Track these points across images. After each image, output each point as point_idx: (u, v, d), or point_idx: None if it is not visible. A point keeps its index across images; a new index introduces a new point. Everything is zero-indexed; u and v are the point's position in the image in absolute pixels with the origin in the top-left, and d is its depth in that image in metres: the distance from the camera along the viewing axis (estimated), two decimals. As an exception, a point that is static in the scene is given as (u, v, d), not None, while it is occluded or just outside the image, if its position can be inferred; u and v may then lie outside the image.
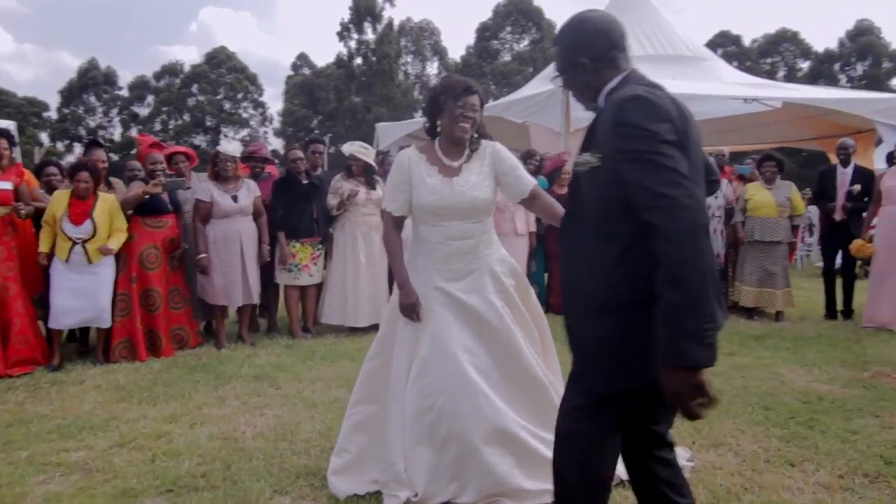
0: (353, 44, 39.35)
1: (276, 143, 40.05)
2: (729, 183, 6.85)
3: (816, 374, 4.45)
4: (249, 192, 5.34)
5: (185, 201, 5.40)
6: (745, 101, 10.60)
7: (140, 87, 43.04)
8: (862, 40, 43.65)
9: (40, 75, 63.21)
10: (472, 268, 2.61)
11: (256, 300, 5.45)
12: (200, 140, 40.76)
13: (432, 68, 47.86)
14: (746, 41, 44.45)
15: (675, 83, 9.06)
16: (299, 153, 5.68)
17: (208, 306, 5.49)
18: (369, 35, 39.17)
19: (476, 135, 2.64)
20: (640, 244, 1.57)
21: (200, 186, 5.29)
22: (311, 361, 4.85)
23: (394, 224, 2.68)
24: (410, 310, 2.53)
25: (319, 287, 5.94)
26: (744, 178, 6.88)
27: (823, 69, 42.27)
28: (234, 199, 5.22)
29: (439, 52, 47.56)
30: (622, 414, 1.77)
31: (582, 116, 7.15)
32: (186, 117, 41.96)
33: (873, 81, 37.16)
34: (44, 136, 40.55)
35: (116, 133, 42.30)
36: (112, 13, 65.41)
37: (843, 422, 3.46)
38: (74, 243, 4.68)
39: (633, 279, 1.62)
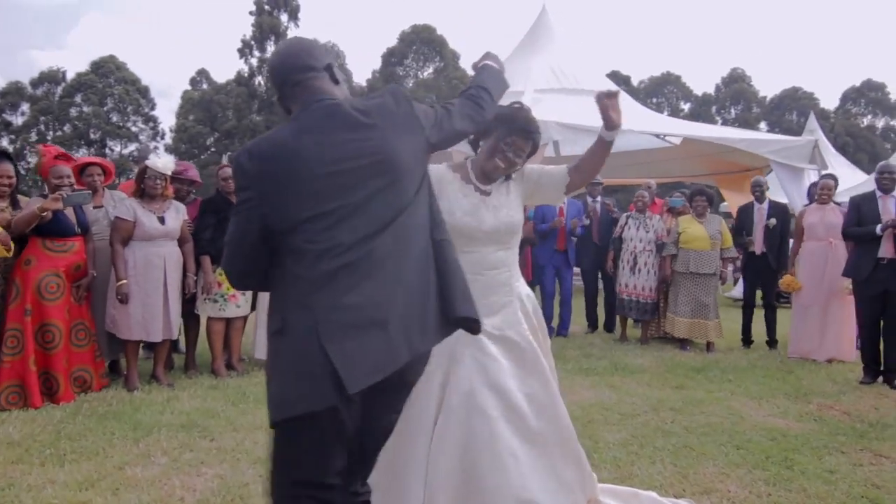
0: (254, 61, 38.14)
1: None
2: (660, 217, 6.97)
3: (767, 408, 4.48)
4: (178, 215, 4.77)
5: (95, 221, 4.73)
6: (658, 137, 11.14)
7: (14, 94, 39.34)
8: (735, 87, 47.91)
9: None
10: (507, 301, 2.36)
11: (176, 335, 4.83)
12: (83, 153, 37.74)
13: (336, 90, 47.37)
14: (634, 82, 47.35)
15: (592, 116, 9.32)
16: (230, 171, 5.14)
17: (115, 342, 4.80)
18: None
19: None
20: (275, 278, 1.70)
21: (122, 204, 4.64)
22: (245, 405, 4.31)
23: None
24: None
25: (246, 319, 5.39)
26: (674, 211, 7.03)
27: (702, 111, 45.85)
28: (161, 220, 4.62)
29: (344, 75, 47.12)
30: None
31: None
32: (67, 128, 38.77)
33: (744, 124, 40.70)
34: None
35: (-16, 142, 38.38)
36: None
37: (816, 460, 3.43)
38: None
39: (275, 309, 1.69)
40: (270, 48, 37.96)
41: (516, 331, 2.34)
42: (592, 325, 7.70)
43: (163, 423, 3.91)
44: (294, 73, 1.75)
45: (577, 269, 8.21)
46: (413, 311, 1.63)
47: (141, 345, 4.96)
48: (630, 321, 7.24)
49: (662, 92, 49.49)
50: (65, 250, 4.40)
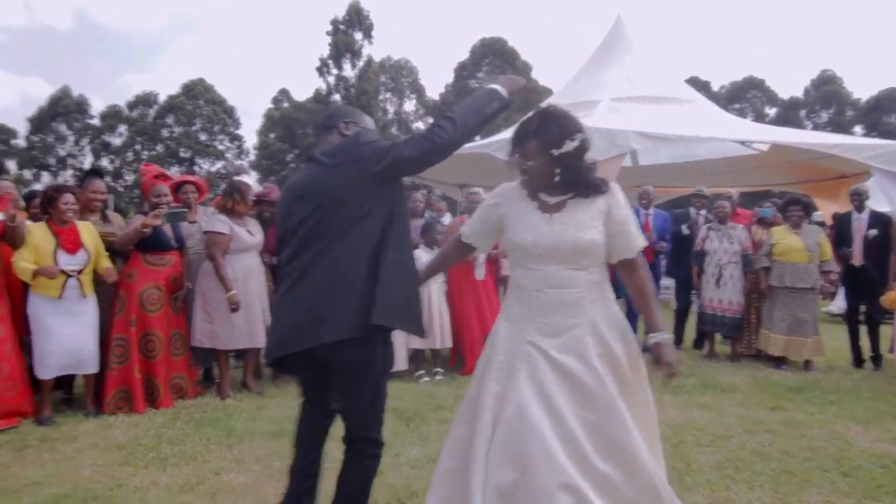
0: (331, 79, 39.39)
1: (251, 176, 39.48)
2: (744, 227, 6.65)
3: (876, 433, 4.17)
4: (258, 227, 5.07)
5: (189, 236, 4.98)
6: (743, 144, 10.64)
7: (112, 117, 42.19)
8: (826, 89, 45.40)
9: (13, 102, 61.20)
10: (573, 323, 2.21)
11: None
12: (174, 171, 39.99)
13: (410, 105, 48.25)
14: (714, 87, 45.62)
15: (671, 124, 8.99)
16: None
17: (207, 352, 5.02)
18: (348, 71, 39.30)
19: (584, 182, 2.26)
20: None
21: (214, 218, 4.89)
22: (331, 415, 4.39)
23: (457, 245, 2.57)
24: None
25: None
26: (764, 222, 6.69)
27: (790, 115, 43.66)
28: (250, 233, 4.87)
29: (417, 90, 47.97)
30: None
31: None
32: (160, 148, 41.20)
33: (837, 128, 38.43)
34: (11, 164, 39.30)
35: (87, 161, 41.31)
36: (82, 41, 64.29)
37: (936, 492, 3.16)
38: (68, 276, 4.20)
39: None
40: (346, 65, 39.18)
41: (579, 357, 2.17)
42: (678, 340, 7.41)
43: (255, 430, 4.05)
44: (318, 131, 2.45)
45: (670, 282, 7.93)
46: (326, 311, 2.15)
47: (230, 354, 5.18)
48: (718, 337, 6.93)
49: (745, 97, 47.53)
50: (163, 264, 4.66)
